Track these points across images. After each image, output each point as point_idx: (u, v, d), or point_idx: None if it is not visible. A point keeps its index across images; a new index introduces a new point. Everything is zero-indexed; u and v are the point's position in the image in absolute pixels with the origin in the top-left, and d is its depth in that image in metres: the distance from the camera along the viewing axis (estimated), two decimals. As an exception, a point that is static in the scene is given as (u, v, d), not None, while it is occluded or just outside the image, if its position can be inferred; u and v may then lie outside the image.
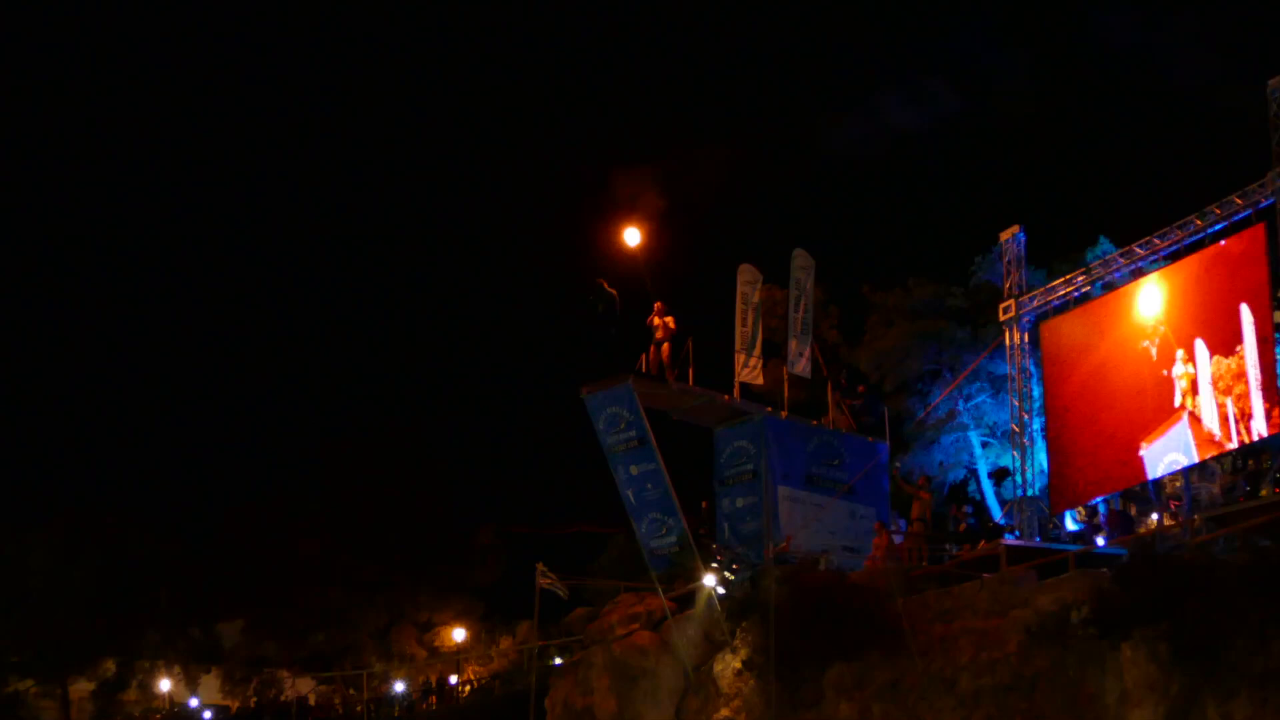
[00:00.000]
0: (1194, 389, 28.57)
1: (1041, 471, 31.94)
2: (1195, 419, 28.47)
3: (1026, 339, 32.42)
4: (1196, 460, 28.64)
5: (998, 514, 33.98)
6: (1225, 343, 28.13)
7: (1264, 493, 26.74)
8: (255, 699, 45.96)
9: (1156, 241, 29.72)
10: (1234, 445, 27.83)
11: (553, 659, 34.79)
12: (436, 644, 47.45)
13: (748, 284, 32.73)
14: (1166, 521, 28.69)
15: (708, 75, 68.92)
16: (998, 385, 33.98)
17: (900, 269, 37.32)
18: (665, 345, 31.29)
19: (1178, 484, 29.45)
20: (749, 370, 32.34)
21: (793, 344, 33.14)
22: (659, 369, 31.17)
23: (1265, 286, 27.63)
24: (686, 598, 30.20)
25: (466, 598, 48.45)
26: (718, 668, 29.22)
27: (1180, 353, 28.99)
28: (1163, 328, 29.44)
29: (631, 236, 31.58)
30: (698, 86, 67.55)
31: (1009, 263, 32.76)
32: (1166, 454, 28.97)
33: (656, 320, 31.43)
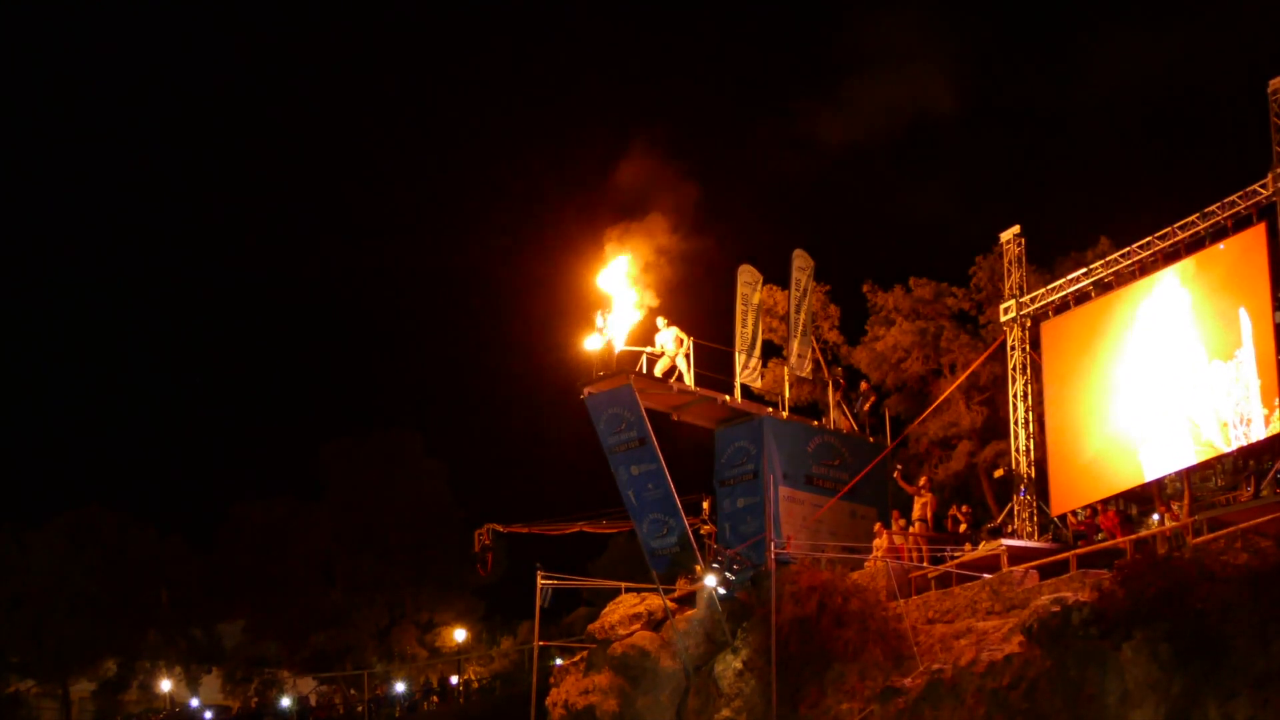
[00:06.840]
0: (1191, 394, 28.49)
1: (1042, 472, 31.90)
2: (1193, 424, 28.41)
3: (1027, 339, 32.41)
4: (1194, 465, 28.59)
5: (998, 514, 33.95)
6: (1223, 347, 28.04)
7: (1264, 493, 26.72)
8: (256, 699, 46.05)
9: (1157, 242, 29.68)
10: (1231, 450, 27.76)
11: (554, 659, 34.85)
12: (437, 644, 47.52)
13: (747, 285, 32.74)
14: (1167, 522, 28.67)
15: (706, 69, 68.95)
16: (998, 385, 33.95)
17: (900, 269, 37.20)
18: (685, 357, 31.27)
19: (1178, 484, 29.42)
20: (749, 371, 32.35)
21: (793, 344, 33.16)
22: (679, 378, 31.23)
23: (1266, 287, 27.47)
24: (687, 598, 30.25)
25: (467, 598, 48.51)
26: (718, 668, 29.25)
27: (1178, 357, 28.93)
28: (1161, 330, 29.38)
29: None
30: (698, 80, 67.60)
31: (1009, 263, 32.75)
32: (1164, 458, 28.90)
33: (668, 336, 31.36)
